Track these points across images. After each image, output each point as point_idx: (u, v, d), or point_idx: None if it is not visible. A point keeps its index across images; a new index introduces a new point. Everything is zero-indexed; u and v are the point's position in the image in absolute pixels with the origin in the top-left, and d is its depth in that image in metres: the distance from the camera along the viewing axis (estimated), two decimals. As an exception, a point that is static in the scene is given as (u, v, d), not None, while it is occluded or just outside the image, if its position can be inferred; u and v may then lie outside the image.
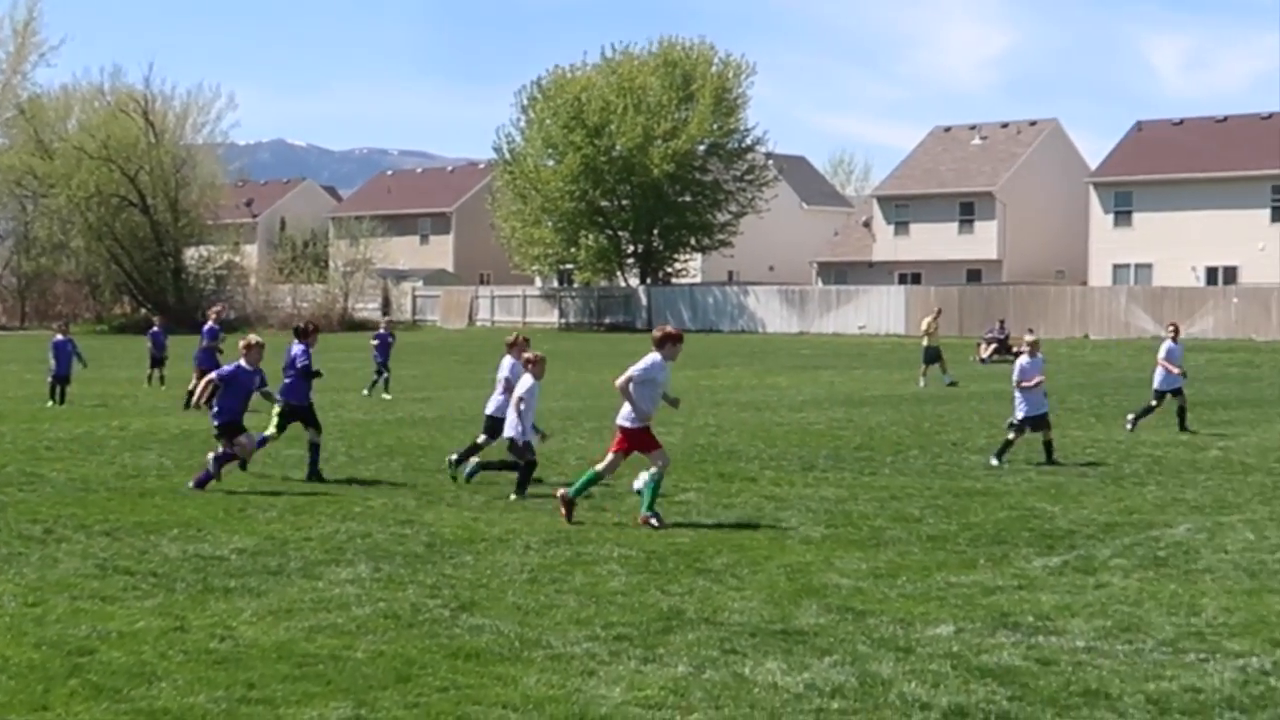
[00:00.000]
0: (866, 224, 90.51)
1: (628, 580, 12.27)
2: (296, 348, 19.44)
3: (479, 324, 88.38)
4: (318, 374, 19.50)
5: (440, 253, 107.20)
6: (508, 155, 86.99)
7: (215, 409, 18.00)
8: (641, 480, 15.71)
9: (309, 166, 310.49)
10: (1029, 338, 22.61)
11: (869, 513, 16.23)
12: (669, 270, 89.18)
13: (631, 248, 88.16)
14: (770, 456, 21.93)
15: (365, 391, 34.33)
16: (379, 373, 34.51)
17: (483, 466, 18.45)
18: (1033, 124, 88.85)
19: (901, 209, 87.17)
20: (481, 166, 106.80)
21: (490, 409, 19.03)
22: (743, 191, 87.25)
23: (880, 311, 75.67)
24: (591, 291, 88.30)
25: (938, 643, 10.08)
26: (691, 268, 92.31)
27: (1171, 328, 27.91)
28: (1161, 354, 26.76)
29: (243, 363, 18.31)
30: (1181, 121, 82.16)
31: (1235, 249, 74.16)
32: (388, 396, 33.50)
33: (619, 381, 15.49)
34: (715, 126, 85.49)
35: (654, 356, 15.51)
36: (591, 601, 11.41)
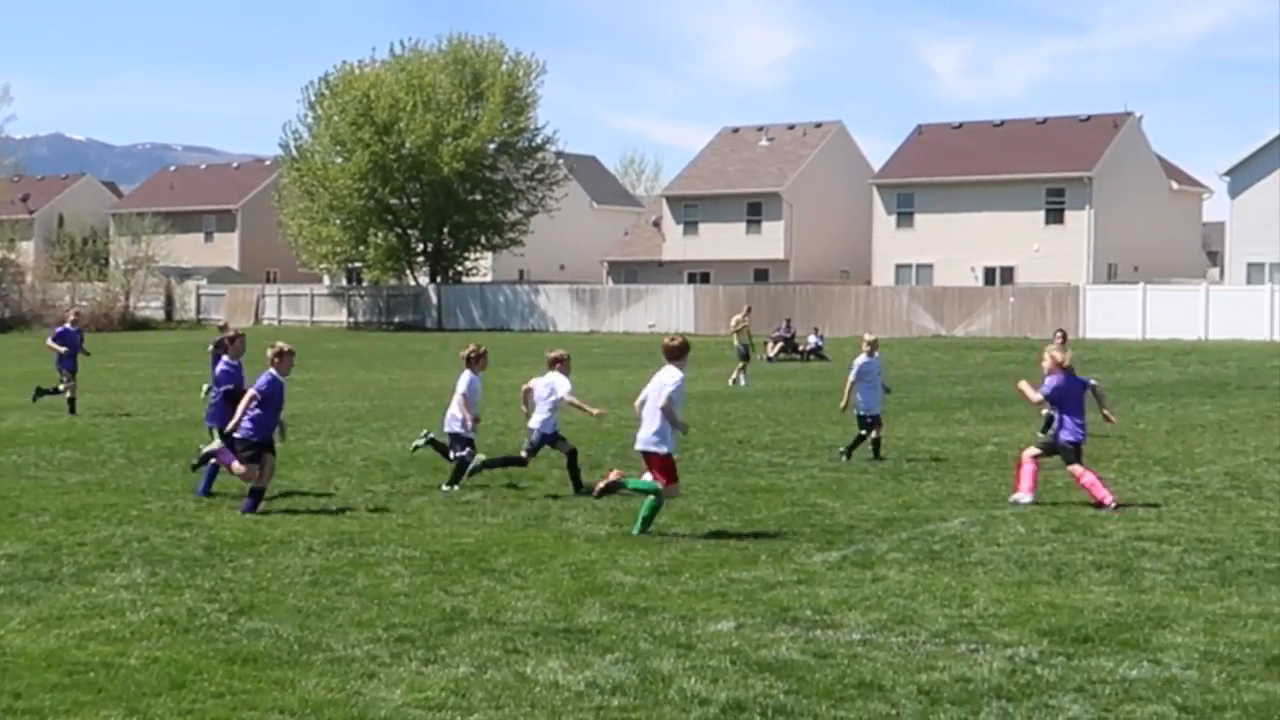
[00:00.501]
0: (656, 224, 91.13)
1: (411, 581, 12.19)
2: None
3: (265, 323, 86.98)
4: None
5: (225, 251, 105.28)
6: (295, 152, 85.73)
7: (249, 425, 16.12)
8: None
9: (89, 162, 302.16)
10: (868, 337, 22.64)
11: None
12: (459, 269, 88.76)
13: (421, 246, 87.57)
14: (557, 455, 21.91)
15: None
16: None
17: (486, 465, 18.29)
18: (818, 126, 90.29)
19: (691, 209, 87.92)
20: (268, 163, 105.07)
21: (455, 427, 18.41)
22: (533, 190, 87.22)
23: (670, 310, 76.29)
24: (381, 290, 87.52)
25: (718, 638, 10.19)
26: (482, 266, 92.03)
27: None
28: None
29: (275, 373, 16.44)
30: (961, 125, 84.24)
31: (1012, 250, 76.28)
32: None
33: (663, 404, 14.39)
34: (505, 125, 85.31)
35: (677, 372, 14.76)
36: (374, 603, 11.31)
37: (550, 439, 18.29)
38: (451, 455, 18.50)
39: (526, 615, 10.91)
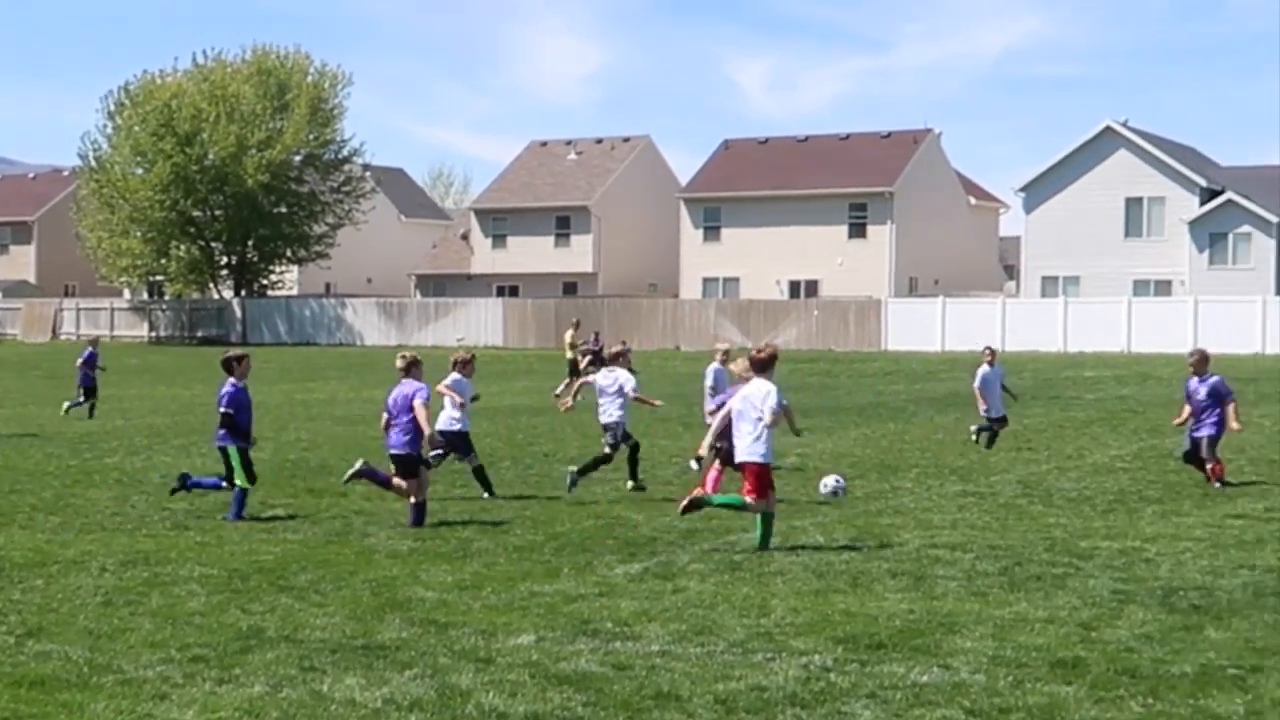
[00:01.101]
0: (465, 237, 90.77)
1: (207, 600, 12.00)
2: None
3: (63, 337, 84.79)
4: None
5: (21, 264, 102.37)
6: (94, 163, 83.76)
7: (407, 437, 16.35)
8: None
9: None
10: (990, 348, 26.35)
11: (458, 524, 16.29)
12: (264, 282, 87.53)
13: (225, 259, 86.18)
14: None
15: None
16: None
17: (581, 473, 18.97)
18: (626, 140, 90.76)
19: (499, 222, 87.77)
20: (66, 174, 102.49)
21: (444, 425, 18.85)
22: (340, 203, 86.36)
23: (479, 324, 76.11)
24: (183, 304, 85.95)
25: (518, 652, 10.19)
26: (287, 280, 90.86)
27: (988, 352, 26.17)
28: (976, 383, 25.56)
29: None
30: (767, 140, 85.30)
31: (817, 264, 77.45)
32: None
33: (769, 419, 14.29)
34: (311, 137, 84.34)
35: (769, 383, 14.58)
36: (168, 623, 11.11)
37: (626, 432, 19.27)
38: (469, 461, 19.02)
39: (324, 632, 10.80)
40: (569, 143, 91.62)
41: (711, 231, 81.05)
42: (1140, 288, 69.14)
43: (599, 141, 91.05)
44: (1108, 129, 72.48)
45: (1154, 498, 18.62)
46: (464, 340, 74.91)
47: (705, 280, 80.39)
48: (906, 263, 76.98)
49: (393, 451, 16.47)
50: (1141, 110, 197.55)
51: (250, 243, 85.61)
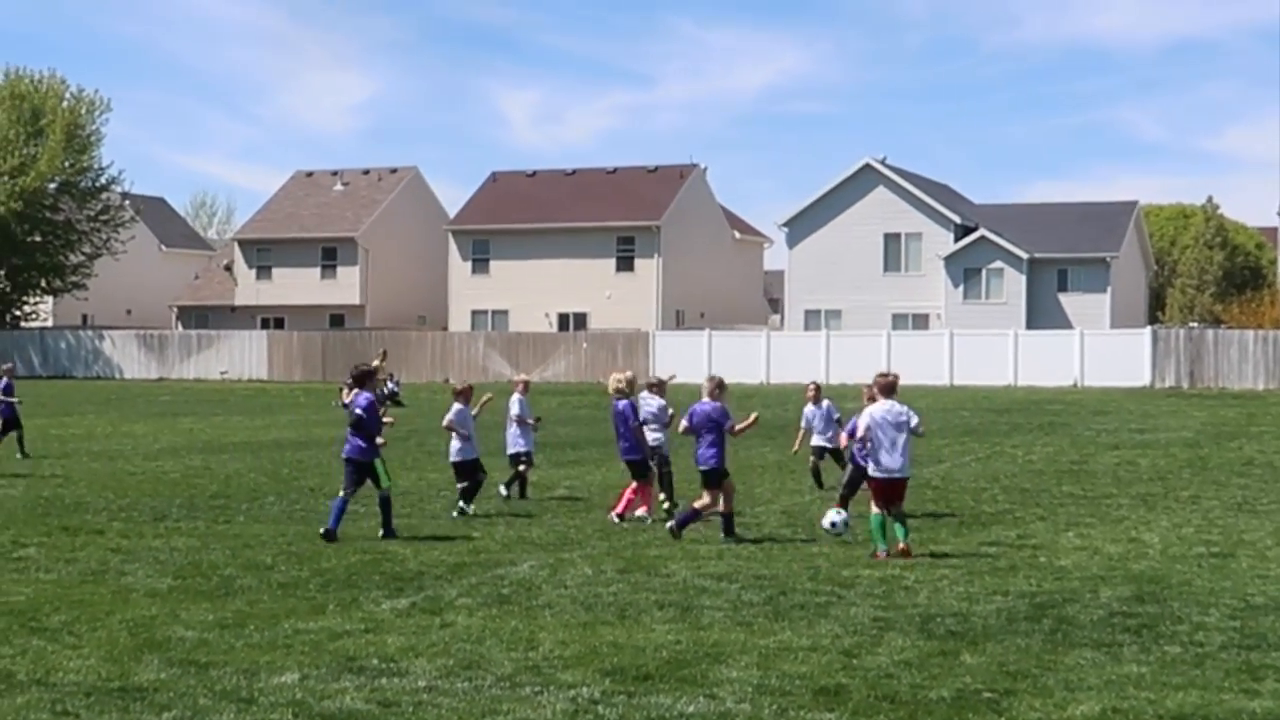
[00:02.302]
0: (228, 268, 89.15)
1: (-46, 644, 11.54)
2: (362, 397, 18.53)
3: None
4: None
5: None
6: None
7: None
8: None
9: None
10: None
11: (220, 562, 15.97)
12: (17, 314, 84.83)
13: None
14: (120, 507, 21.21)
15: None
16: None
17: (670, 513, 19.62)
18: (393, 171, 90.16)
19: (264, 253, 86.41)
20: None
21: (455, 457, 20.95)
22: (97, 232, 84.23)
23: (243, 356, 74.83)
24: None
25: (281, 691, 10.01)
26: (42, 311, 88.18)
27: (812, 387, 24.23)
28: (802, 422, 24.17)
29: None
30: (534, 173, 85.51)
31: (585, 297, 77.84)
32: None
33: (922, 431, 16.63)
34: (67, 164, 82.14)
35: (898, 404, 16.51)
36: (-89, 668, 10.66)
37: (665, 455, 20.54)
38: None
39: (79, 675, 10.47)
40: (335, 173, 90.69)
41: (480, 264, 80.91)
42: (899, 321, 70.91)
43: (366, 172, 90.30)
44: (867, 166, 74.29)
45: (913, 526, 19.04)
46: (228, 374, 73.58)
47: (474, 312, 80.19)
48: (674, 295, 77.83)
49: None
50: (899, 148, 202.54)
51: (3, 272, 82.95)
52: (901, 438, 16.24)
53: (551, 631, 12.05)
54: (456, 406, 21.20)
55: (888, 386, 16.92)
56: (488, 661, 10.95)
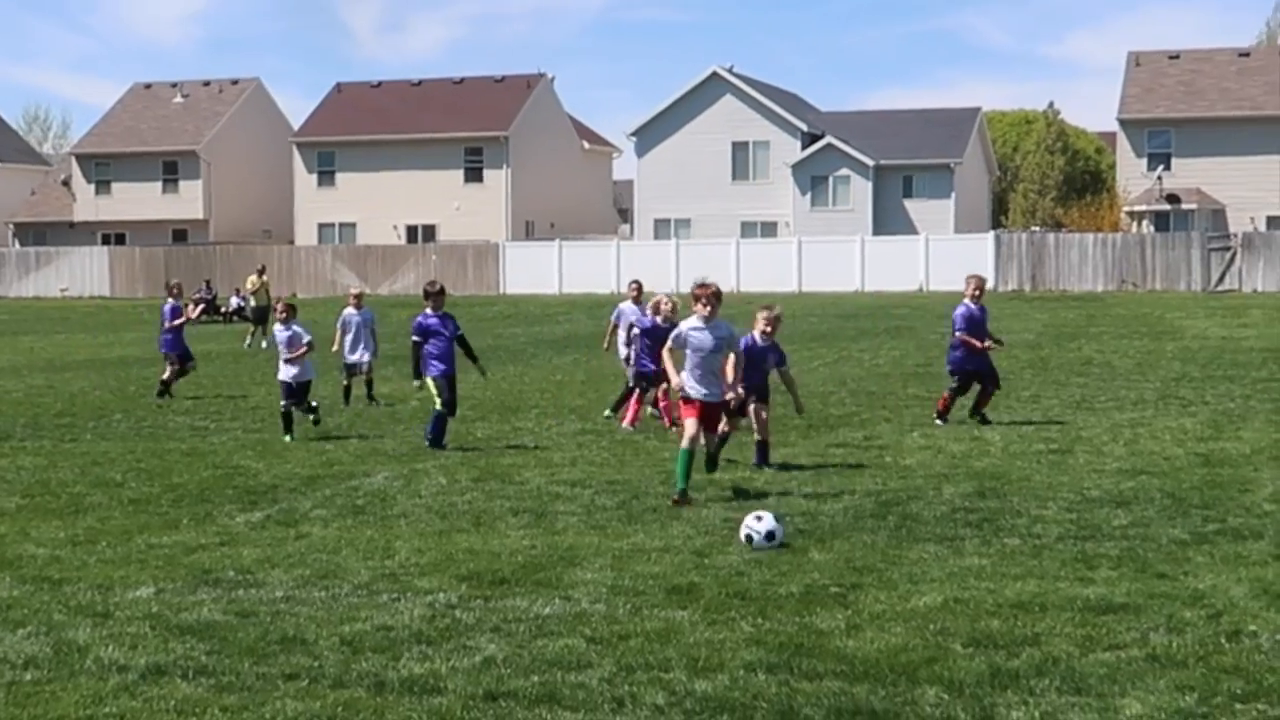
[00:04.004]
0: (66, 183, 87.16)
1: None
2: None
3: None
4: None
5: None
6: None
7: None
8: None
9: None
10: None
11: (69, 480, 15.82)
12: None
13: None
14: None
15: None
16: None
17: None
18: (235, 83, 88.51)
19: (103, 167, 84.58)
20: None
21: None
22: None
23: (83, 274, 73.45)
24: None
25: (137, 605, 10.01)
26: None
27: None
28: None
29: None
30: (380, 84, 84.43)
31: (433, 208, 77.32)
32: None
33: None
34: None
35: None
36: None
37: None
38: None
39: (-71, 595, 10.38)
40: (174, 85, 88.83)
41: (326, 176, 79.97)
42: (748, 229, 71.35)
43: (206, 84, 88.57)
44: (714, 75, 74.39)
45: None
46: (68, 291, 72.15)
47: (321, 226, 79.32)
48: (523, 207, 77.59)
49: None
50: (748, 56, 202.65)
51: None
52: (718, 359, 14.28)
53: (407, 540, 12.14)
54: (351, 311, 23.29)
55: (713, 296, 14.35)
56: (344, 571, 11.03)
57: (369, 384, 23.61)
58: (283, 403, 19.43)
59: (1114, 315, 45.14)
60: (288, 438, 18.94)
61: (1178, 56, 73.67)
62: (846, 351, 33.32)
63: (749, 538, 11.57)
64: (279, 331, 19.59)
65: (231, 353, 36.71)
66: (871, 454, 16.97)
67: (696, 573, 10.74)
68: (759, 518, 11.73)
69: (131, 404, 24.18)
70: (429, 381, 17.87)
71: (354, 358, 23.47)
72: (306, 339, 19.44)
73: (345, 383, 23.44)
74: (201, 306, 55.78)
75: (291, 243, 77.39)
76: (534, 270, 66.44)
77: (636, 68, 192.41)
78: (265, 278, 42.08)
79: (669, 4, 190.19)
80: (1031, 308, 49.66)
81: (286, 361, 19.37)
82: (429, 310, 17.94)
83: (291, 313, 19.55)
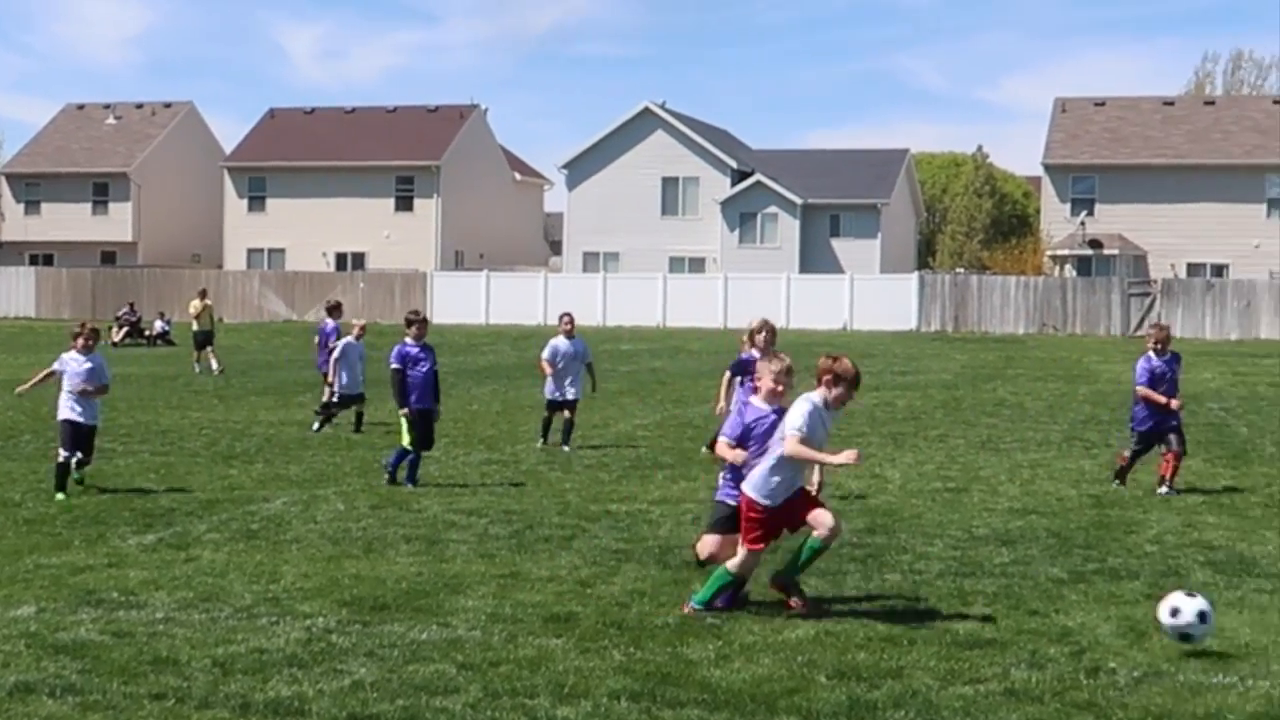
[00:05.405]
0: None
1: None
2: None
3: None
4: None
5: None
6: None
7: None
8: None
9: None
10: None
11: (-35, 499, 15.76)
12: None
13: None
14: None
15: None
16: None
17: None
18: (168, 106, 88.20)
19: (32, 187, 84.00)
20: None
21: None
22: None
23: (9, 294, 72.96)
24: None
25: (16, 624, 10.04)
26: None
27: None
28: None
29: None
30: (313, 110, 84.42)
31: (364, 236, 77.29)
32: None
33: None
34: None
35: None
36: None
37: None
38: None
39: None
40: (107, 106, 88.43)
41: (256, 201, 79.80)
42: (676, 264, 71.75)
43: (139, 106, 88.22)
44: (646, 110, 74.83)
45: (667, 464, 19.58)
46: (-9, 310, 71.49)
47: (250, 251, 79.12)
48: (453, 236, 77.67)
49: None
50: (681, 93, 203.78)
51: None
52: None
53: (295, 565, 12.21)
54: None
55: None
56: (227, 594, 11.09)
57: (359, 415, 23.87)
58: (62, 452, 16.04)
59: (1032, 358, 45.65)
60: (61, 495, 15.82)
61: (1103, 104, 74.76)
62: (764, 388, 33.54)
63: (1185, 635, 9.60)
64: (75, 360, 16.40)
65: (150, 376, 36.53)
66: (770, 489, 17.12)
67: (577, 602, 10.87)
68: (1175, 609, 9.63)
69: (42, 425, 24.01)
70: (403, 415, 17.10)
71: (359, 389, 23.89)
72: (108, 377, 16.75)
73: (340, 410, 23.93)
74: (125, 329, 55.53)
75: (220, 267, 77.12)
76: (462, 300, 66.51)
77: (570, 101, 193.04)
78: (208, 301, 41.78)
79: (605, 39, 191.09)
80: (952, 348, 50.16)
81: (74, 395, 16.14)
82: (409, 340, 17.31)
83: (94, 338, 16.64)
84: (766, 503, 10.46)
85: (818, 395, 10.57)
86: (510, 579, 11.68)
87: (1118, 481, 17.62)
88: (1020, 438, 23.49)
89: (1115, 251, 68.38)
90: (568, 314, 22.25)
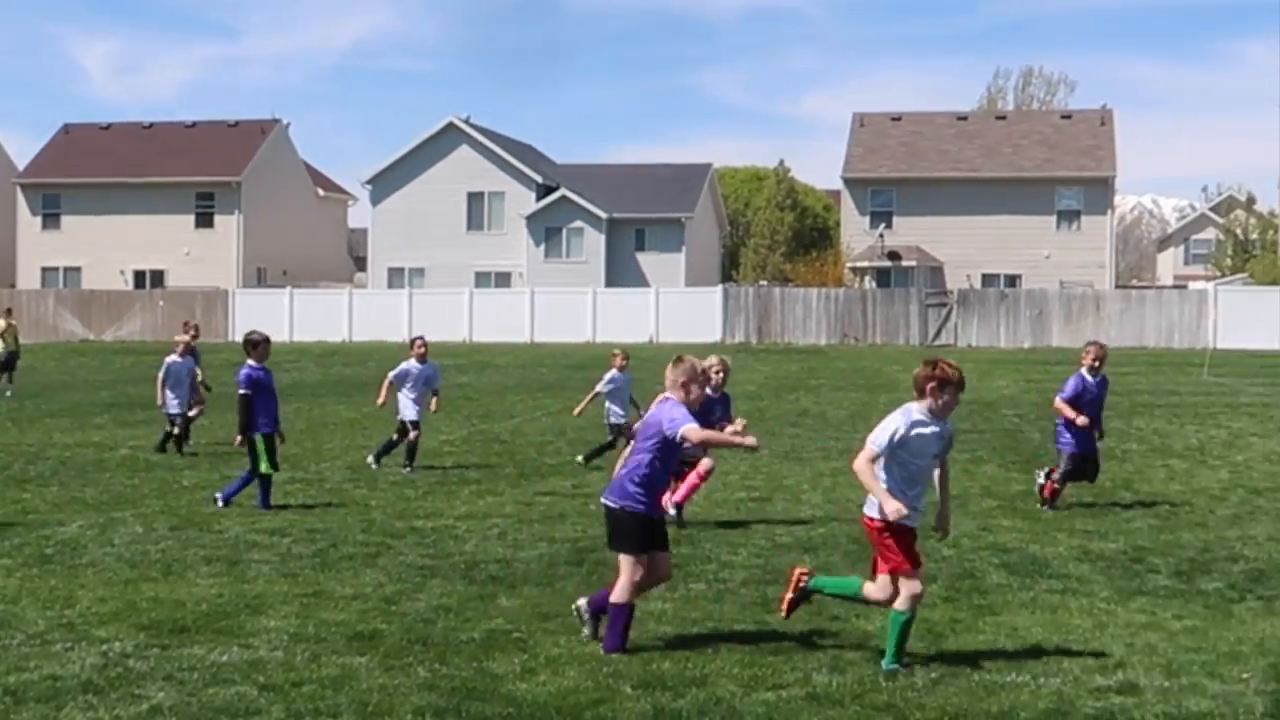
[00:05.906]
0: None
1: None
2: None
3: None
4: None
5: None
6: None
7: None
8: None
9: None
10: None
11: None
12: None
13: None
14: None
15: None
16: None
17: None
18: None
19: None
20: None
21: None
22: None
23: None
24: None
25: None
26: None
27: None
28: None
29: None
30: (110, 126, 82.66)
31: (163, 253, 75.84)
32: None
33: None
34: None
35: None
36: None
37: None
38: None
39: None
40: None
41: (51, 219, 77.89)
42: (482, 279, 71.60)
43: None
44: (450, 125, 74.57)
45: (473, 479, 19.52)
46: None
47: (45, 270, 77.21)
48: (255, 253, 76.58)
49: None
50: (486, 108, 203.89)
51: None
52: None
53: (91, 589, 11.94)
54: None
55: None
56: (20, 620, 10.80)
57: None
58: None
59: (834, 368, 46.42)
60: None
61: (900, 119, 76.34)
62: (573, 402, 33.56)
63: None
64: None
65: (-62, 399, 35.40)
66: (577, 502, 17.20)
67: (382, 619, 10.80)
68: None
69: None
70: (259, 439, 16.52)
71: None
72: None
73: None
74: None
75: (13, 286, 75.04)
76: (265, 317, 65.35)
77: (373, 116, 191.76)
78: (13, 320, 40.49)
79: (408, 54, 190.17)
80: (756, 360, 50.77)
81: None
82: (252, 363, 16.73)
83: None
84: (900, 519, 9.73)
85: (919, 407, 9.71)
86: (314, 598, 11.56)
87: (1047, 508, 16.55)
88: (823, 447, 23.87)
89: (913, 263, 69.86)
90: (420, 337, 21.53)
